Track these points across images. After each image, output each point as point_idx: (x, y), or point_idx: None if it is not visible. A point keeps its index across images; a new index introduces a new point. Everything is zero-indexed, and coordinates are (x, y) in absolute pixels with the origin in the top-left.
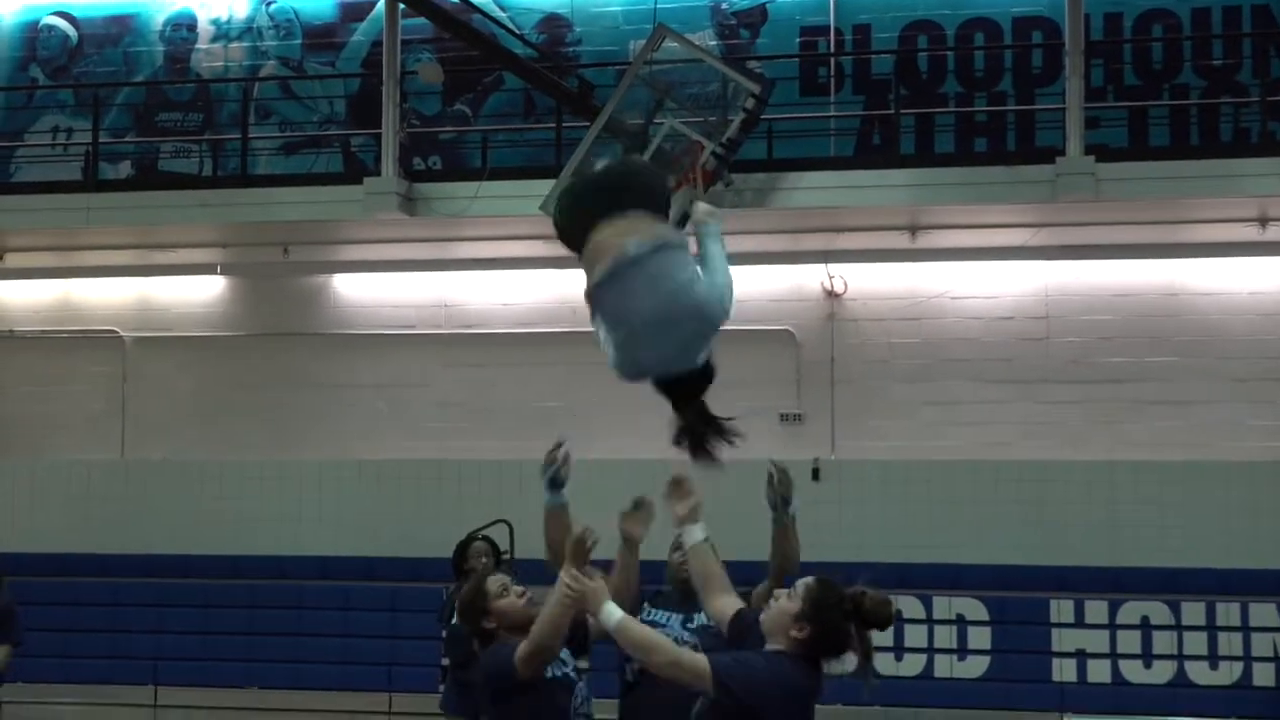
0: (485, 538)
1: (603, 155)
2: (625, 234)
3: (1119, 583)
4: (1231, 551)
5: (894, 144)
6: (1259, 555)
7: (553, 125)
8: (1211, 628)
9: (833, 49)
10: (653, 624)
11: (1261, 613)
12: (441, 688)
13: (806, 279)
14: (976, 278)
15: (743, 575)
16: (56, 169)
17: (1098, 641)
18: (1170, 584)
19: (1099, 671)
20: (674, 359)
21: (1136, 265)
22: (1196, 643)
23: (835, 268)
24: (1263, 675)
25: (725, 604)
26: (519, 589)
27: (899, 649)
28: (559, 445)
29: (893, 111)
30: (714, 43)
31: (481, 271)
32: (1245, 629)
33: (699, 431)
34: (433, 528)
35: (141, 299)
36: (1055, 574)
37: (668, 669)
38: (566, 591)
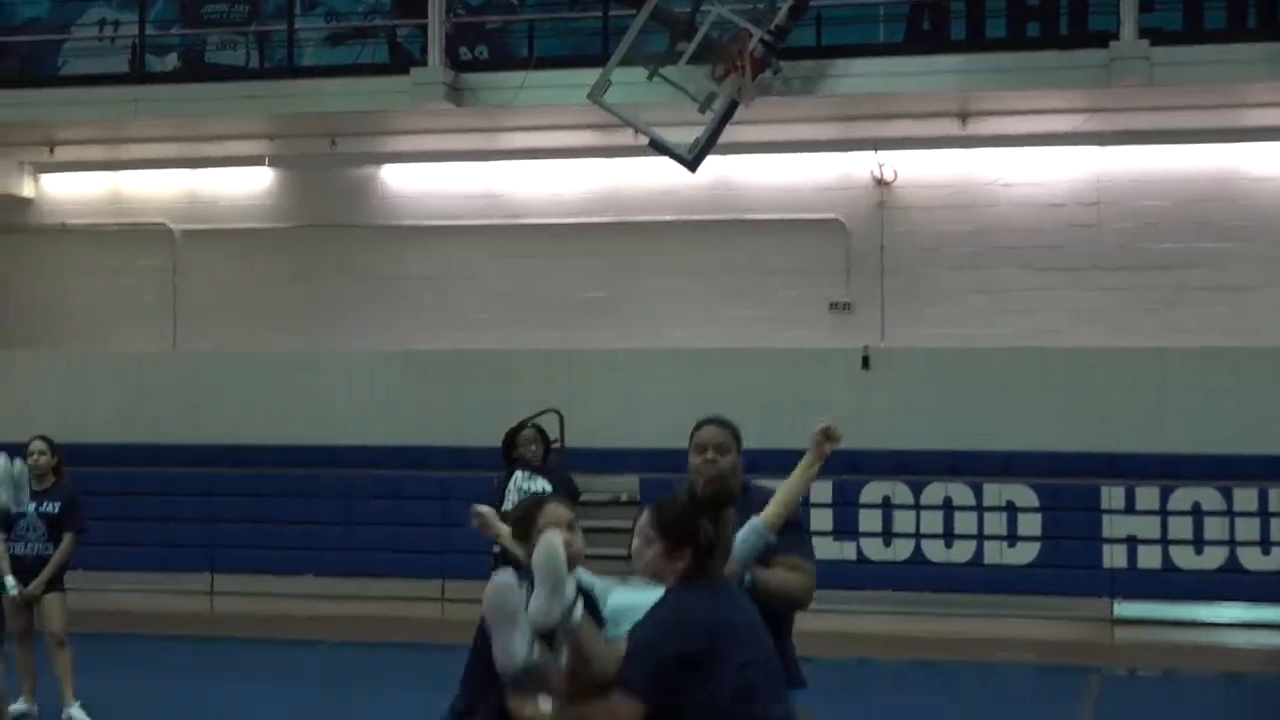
0: (535, 425)
1: (650, 43)
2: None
3: (1170, 469)
4: None
5: (944, 29)
6: None
7: (599, 13)
8: (1264, 513)
9: None
10: None
11: None
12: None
13: (856, 167)
14: (1027, 164)
15: (777, 464)
16: (103, 62)
17: (1148, 528)
18: (1222, 470)
19: (1150, 557)
20: None
21: (1189, 150)
22: (1249, 528)
23: (885, 155)
24: None
25: None
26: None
27: (949, 536)
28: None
29: None
30: None
31: (528, 161)
32: None
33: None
34: (481, 417)
35: (190, 191)
36: (1106, 460)
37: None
38: None
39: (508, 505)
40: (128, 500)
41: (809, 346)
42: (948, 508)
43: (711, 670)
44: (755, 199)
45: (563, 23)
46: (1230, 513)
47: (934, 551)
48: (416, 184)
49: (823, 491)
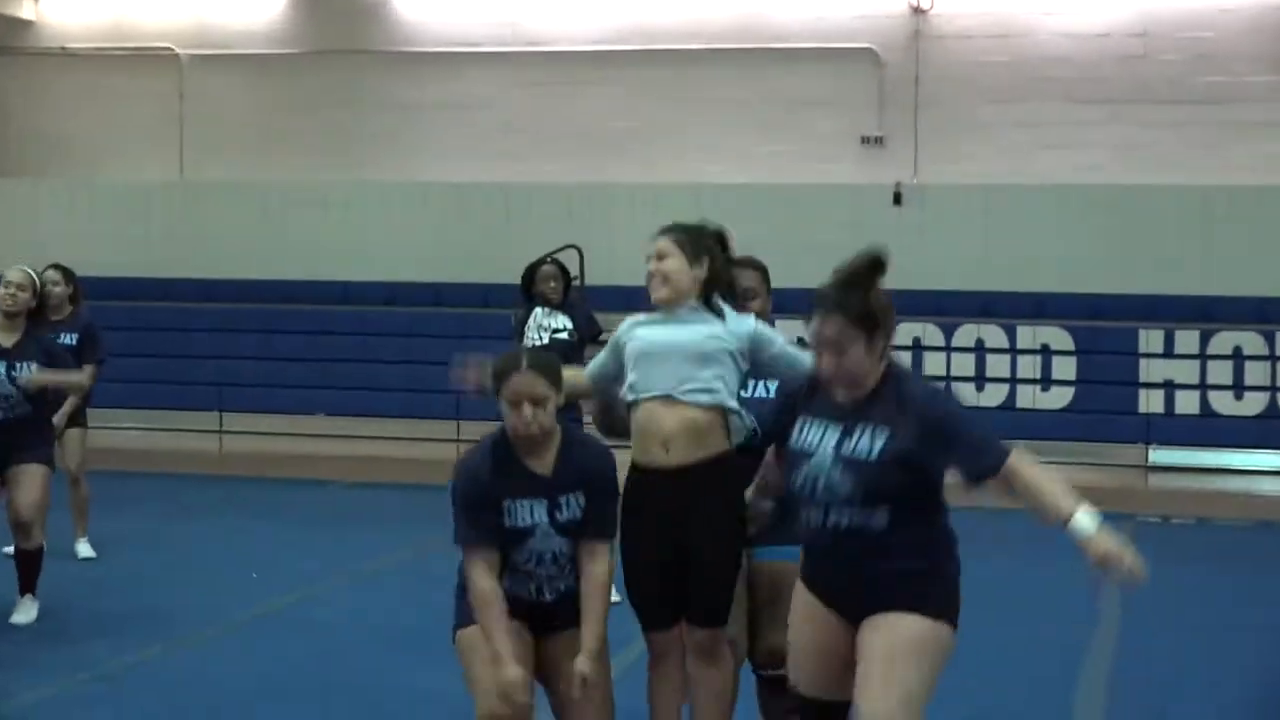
0: (555, 260)
1: None
2: None
3: (1211, 312)
4: None
5: None
6: None
7: None
8: None
9: None
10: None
11: None
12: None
13: None
14: None
15: (802, 305)
16: None
17: (1187, 372)
18: (1264, 313)
19: (1187, 403)
20: None
21: None
22: None
23: None
24: None
25: None
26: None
27: (981, 379)
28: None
29: None
30: None
31: None
32: None
33: None
34: (500, 253)
35: (198, 15)
36: (1145, 303)
37: None
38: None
39: (527, 342)
40: (134, 336)
41: (838, 182)
42: (980, 350)
43: None
44: (785, 28)
45: None
46: (1273, 357)
47: (965, 395)
48: (434, 8)
49: None
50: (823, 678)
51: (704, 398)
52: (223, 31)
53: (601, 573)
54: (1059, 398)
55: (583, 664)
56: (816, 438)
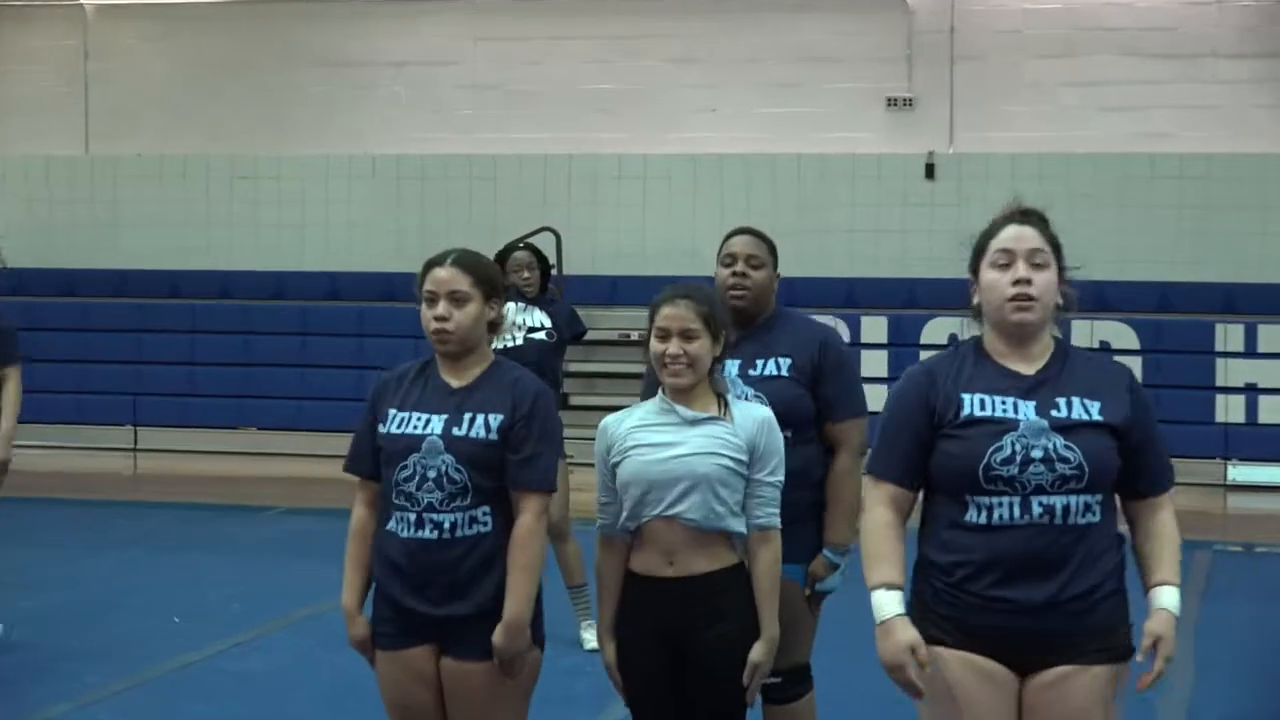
0: (529, 245)
1: None
2: None
3: None
4: None
5: None
6: None
7: None
8: None
9: None
10: None
11: None
12: None
13: None
14: None
15: (820, 294)
16: None
17: (1272, 374)
18: None
19: (1273, 410)
20: None
21: None
22: None
23: None
24: None
25: None
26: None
27: None
28: None
29: None
30: None
31: None
32: None
33: None
34: (463, 237)
35: None
36: (1222, 292)
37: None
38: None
39: (498, 344)
40: (35, 336)
41: (860, 152)
42: None
43: None
44: None
45: None
46: None
47: None
48: None
49: (876, 329)
50: None
51: (712, 522)
52: None
53: (528, 524)
54: None
55: (499, 637)
56: (1008, 407)
